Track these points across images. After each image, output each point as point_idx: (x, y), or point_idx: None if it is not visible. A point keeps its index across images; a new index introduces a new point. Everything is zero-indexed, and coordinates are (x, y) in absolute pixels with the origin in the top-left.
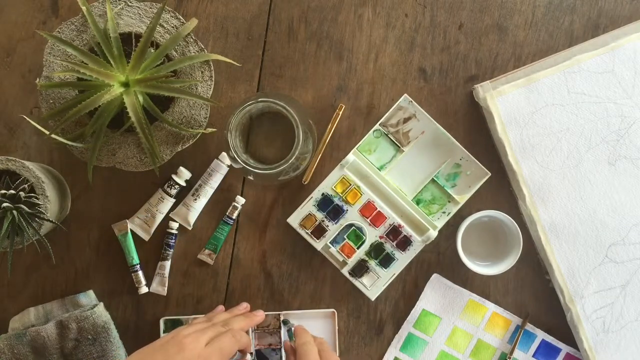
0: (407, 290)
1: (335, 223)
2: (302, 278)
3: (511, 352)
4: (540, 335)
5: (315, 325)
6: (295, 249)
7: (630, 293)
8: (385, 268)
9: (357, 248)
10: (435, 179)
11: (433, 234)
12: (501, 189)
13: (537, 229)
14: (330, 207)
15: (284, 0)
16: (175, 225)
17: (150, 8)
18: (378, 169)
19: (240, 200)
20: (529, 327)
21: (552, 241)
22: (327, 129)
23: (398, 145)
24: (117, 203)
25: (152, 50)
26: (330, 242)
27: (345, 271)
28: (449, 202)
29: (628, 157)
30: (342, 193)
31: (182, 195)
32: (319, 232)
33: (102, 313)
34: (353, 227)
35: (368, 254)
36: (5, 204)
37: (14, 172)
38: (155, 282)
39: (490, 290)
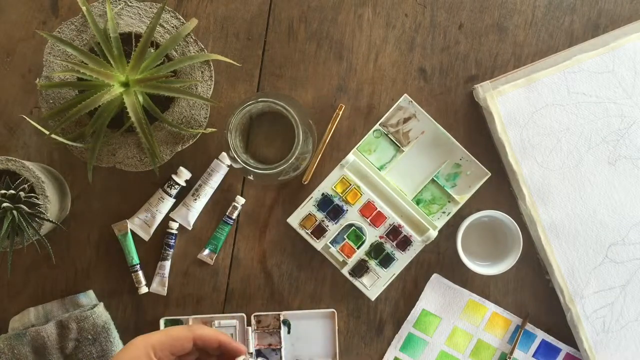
0: (407, 290)
1: (335, 223)
2: (302, 278)
3: (511, 352)
4: (540, 335)
5: (315, 325)
6: (295, 249)
7: (630, 293)
8: (385, 268)
9: (357, 248)
10: (435, 179)
11: (433, 234)
12: (501, 189)
13: (537, 229)
14: (330, 207)
15: (284, 0)
16: (175, 225)
17: (150, 8)
18: (378, 169)
19: (240, 200)
20: (529, 327)
21: (552, 241)
22: (327, 129)
23: (398, 145)
24: (117, 203)
25: (152, 50)
26: (330, 242)
27: (345, 271)
28: (449, 202)
29: (628, 157)
30: (342, 193)
31: (182, 195)
32: (319, 232)
33: (102, 313)
34: (353, 227)
35: (368, 254)
36: (5, 204)
37: (14, 172)
38: (155, 282)
39: (490, 290)
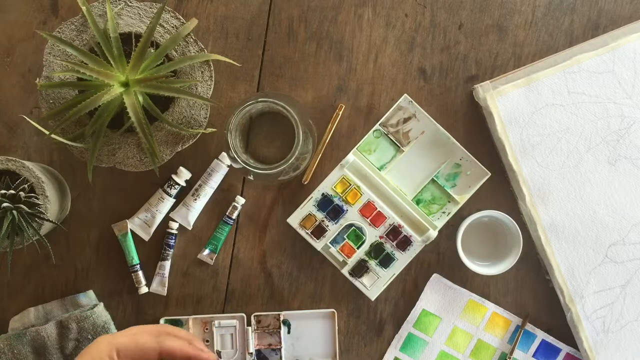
0: (407, 290)
1: (335, 223)
2: (302, 278)
3: (511, 352)
4: (540, 335)
5: (315, 325)
6: (295, 249)
7: (630, 293)
8: (385, 268)
9: (357, 248)
10: (435, 179)
11: (433, 234)
12: (501, 189)
13: (537, 229)
14: (330, 207)
15: (284, 0)
16: (175, 225)
17: (150, 8)
18: (378, 169)
19: (240, 200)
20: (529, 327)
21: (552, 241)
22: (327, 129)
23: (398, 145)
24: (117, 203)
25: (152, 50)
26: (330, 242)
27: (345, 271)
28: (449, 202)
29: (628, 157)
30: (342, 193)
31: (182, 195)
32: (319, 232)
33: (102, 313)
34: (353, 227)
35: (368, 254)
36: (5, 204)
37: (14, 172)
38: (155, 282)
39: (490, 290)
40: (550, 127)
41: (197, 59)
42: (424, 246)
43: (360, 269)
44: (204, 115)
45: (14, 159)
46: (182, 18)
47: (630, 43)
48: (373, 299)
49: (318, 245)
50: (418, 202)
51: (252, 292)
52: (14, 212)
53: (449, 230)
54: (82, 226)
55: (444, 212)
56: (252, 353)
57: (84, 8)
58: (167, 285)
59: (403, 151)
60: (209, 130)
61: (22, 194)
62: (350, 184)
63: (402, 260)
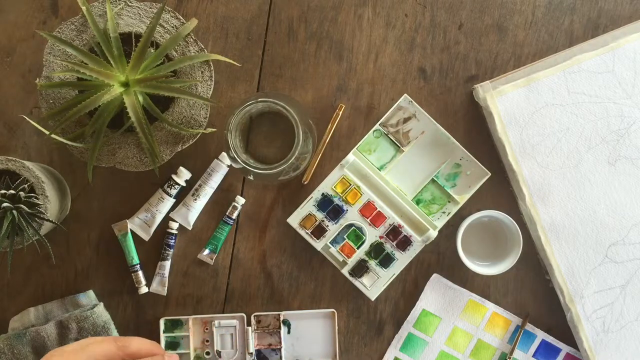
0: (407, 290)
1: (335, 223)
2: (302, 278)
3: (511, 352)
4: (540, 335)
5: (315, 325)
6: (295, 249)
7: (630, 293)
8: (385, 268)
9: (357, 248)
10: (435, 179)
11: (433, 234)
12: (501, 189)
13: (537, 229)
14: (330, 207)
15: (284, 0)
16: (175, 225)
17: (150, 8)
18: (378, 169)
19: (240, 201)
20: (529, 327)
21: (552, 241)
22: (327, 129)
23: (398, 145)
24: (117, 203)
25: (152, 50)
26: (330, 242)
27: (345, 271)
28: (449, 202)
29: (628, 157)
30: (342, 193)
31: (182, 195)
32: (319, 232)
33: (102, 313)
34: (353, 227)
35: (368, 254)
36: (5, 204)
37: (14, 172)
38: (155, 282)
39: (490, 290)
40: (550, 127)
41: (197, 59)
42: (424, 246)
43: (360, 269)
44: (204, 115)
45: (14, 159)
46: (182, 18)
47: (630, 43)
48: (373, 299)
49: (318, 245)
50: (418, 202)
51: (252, 292)
52: (14, 212)
53: (449, 230)
54: (82, 226)
55: (444, 212)
56: (252, 353)
57: (84, 8)
58: (167, 285)
59: (403, 151)
60: (209, 130)
61: (22, 194)
62: (350, 184)
63: (402, 260)
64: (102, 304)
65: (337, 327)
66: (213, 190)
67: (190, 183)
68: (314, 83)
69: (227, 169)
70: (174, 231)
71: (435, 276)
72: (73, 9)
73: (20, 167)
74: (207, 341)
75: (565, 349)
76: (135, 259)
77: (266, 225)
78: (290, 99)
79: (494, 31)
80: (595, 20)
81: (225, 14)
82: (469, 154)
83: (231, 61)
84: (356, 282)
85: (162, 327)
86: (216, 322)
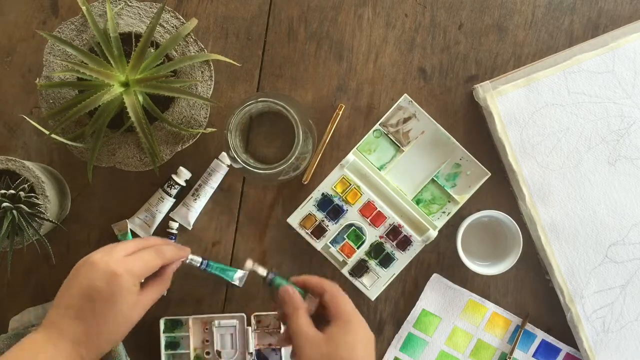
0: (407, 290)
1: (335, 223)
2: None
3: (511, 352)
4: (540, 335)
5: None
6: (295, 249)
7: (630, 293)
8: (385, 268)
9: (357, 248)
10: (435, 179)
11: (433, 234)
12: (501, 189)
13: (537, 229)
14: (330, 207)
15: (283, 0)
16: (175, 225)
17: (150, 8)
18: (378, 168)
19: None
20: (529, 327)
21: (552, 241)
22: (327, 129)
23: (398, 145)
24: (117, 203)
25: (152, 50)
26: (330, 242)
27: (345, 271)
28: (449, 202)
29: (628, 157)
30: (342, 193)
31: (182, 195)
32: (319, 232)
33: None
34: (353, 227)
35: (368, 254)
36: (5, 204)
37: (14, 172)
38: None
39: (490, 290)
40: (550, 127)
41: (197, 59)
42: (424, 246)
43: (360, 269)
44: (204, 115)
45: (14, 159)
46: (182, 18)
47: (630, 43)
48: (373, 299)
49: (318, 245)
50: (418, 202)
51: (252, 292)
52: (14, 212)
53: (449, 230)
54: (82, 226)
55: (444, 212)
56: (252, 353)
57: (84, 8)
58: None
59: (403, 151)
60: (209, 130)
61: (22, 194)
62: (350, 184)
63: (402, 260)
64: None
65: None
66: (213, 190)
67: (190, 183)
68: (314, 83)
69: (227, 169)
70: (174, 231)
71: (435, 276)
72: (73, 9)
73: (20, 167)
74: (207, 341)
75: (565, 349)
76: None
77: (266, 225)
78: (290, 99)
79: (494, 31)
80: (595, 20)
81: (225, 14)
82: (469, 154)
83: (231, 61)
84: (356, 282)
85: (162, 327)
86: (216, 322)
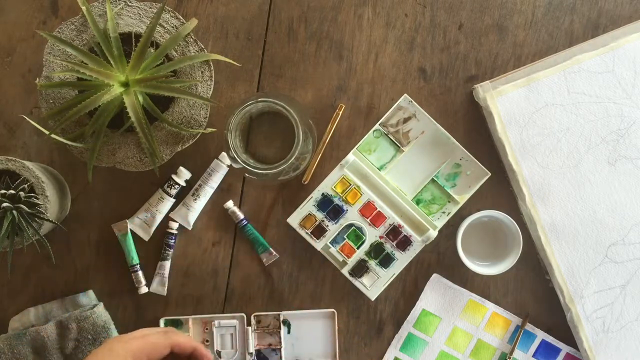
0: (407, 290)
1: (335, 223)
2: (302, 278)
3: (511, 352)
4: (540, 335)
5: (315, 325)
6: (295, 249)
7: (630, 293)
8: (385, 268)
9: (357, 248)
10: (435, 179)
11: (433, 234)
12: (501, 189)
13: (537, 229)
14: (330, 207)
15: (283, 0)
16: (175, 225)
17: (150, 8)
18: (378, 168)
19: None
20: (529, 327)
21: (552, 241)
22: (327, 129)
23: (398, 145)
24: (117, 203)
25: (152, 50)
26: (330, 242)
27: (345, 271)
28: (449, 202)
29: (628, 157)
30: (342, 193)
31: (182, 195)
32: (319, 232)
33: (102, 313)
34: (353, 227)
35: (368, 254)
36: (5, 204)
37: (14, 172)
38: (155, 282)
39: (490, 290)
40: (550, 127)
41: (197, 59)
42: (424, 246)
43: (360, 269)
44: (204, 115)
45: (14, 159)
46: (182, 18)
47: (630, 43)
48: (373, 299)
49: (318, 245)
50: (418, 202)
51: (252, 292)
52: (14, 212)
53: (449, 230)
54: (82, 226)
55: (444, 212)
56: (252, 353)
57: (84, 8)
58: (167, 285)
59: (403, 151)
60: (209, 130)
61: (22, 194)
62: (350, 184)
63: (402, 260)
64: (102, 304)
65: (337, 327)
66: (213, 190)
67: (190, 183)
68: (314, 83)
69: (227, 169)
70: (174, 231)
71: (435, 276)
72: (73, 9)
73: (20, 167)
74: (207, 341)
75: (565, 349)
76: (135, 259)
77: (266, 225)
78: (290, 99)
79: (494, 31)
80: (595, 20)
81: (225, 14)
82: (469, 154)
83: (231, 61)
84: (356, 282)
85: (161, 326)
86: (216, 322)
